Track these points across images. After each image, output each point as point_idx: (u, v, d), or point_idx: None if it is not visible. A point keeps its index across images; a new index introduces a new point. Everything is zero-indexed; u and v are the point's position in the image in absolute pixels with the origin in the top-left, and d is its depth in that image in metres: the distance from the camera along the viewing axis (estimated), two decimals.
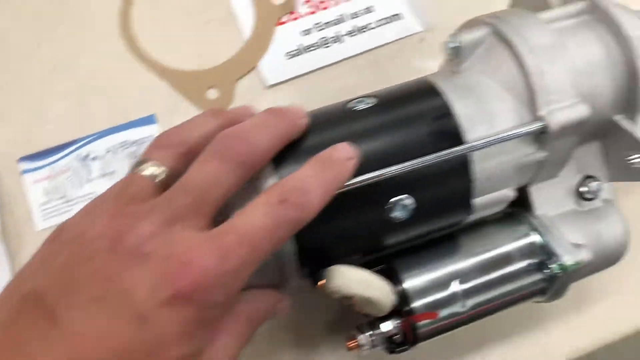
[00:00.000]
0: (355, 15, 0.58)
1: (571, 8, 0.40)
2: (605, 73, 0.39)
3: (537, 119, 0.37)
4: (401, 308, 0.40)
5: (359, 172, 0.35)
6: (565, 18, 0.40)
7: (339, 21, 0.58)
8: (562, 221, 0.43)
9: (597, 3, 0.39)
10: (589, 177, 0.43)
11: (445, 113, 0.37)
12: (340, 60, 0.56)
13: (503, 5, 0.49)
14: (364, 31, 0.57)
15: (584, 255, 0.40)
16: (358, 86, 0.43)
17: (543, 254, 0.41)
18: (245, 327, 0.34)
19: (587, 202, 0.43)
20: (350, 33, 0.57)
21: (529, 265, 0.41)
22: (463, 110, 0.37)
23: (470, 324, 0.41)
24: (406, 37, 0.58)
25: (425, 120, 0.37)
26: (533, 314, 0.50)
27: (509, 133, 0.36)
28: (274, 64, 0.55)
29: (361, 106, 0.39)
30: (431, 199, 0.38)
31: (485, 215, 0.42)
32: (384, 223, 0.37)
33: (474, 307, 0.41)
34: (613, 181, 0.44)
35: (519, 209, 0.44)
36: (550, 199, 0.43)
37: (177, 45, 0.57)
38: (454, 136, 0.37)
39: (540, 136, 0.37)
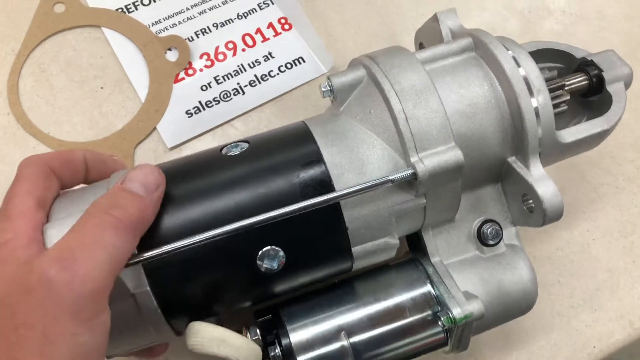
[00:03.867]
0: (255, 64, 0.54)
1: (455, 45, 0.38)
2: (490, 113, 0.37)
3: (409, 165, 0.35)
4: None
5: (222, 222, 0.33)
6: (449, 56, 0.38)
7: (238, 72, 0.53)
8: (461, 268, 0.40)
9: (479, 40, 0.37)
10: (488, 222, 0.41)
11: (314, 160, 0.35)
12: (246, 112, 0.52)
13: (404, 41, 0.47)
14: (266, 79, 0.53)
15: (475, 308, 0.37)
16: None
17: (438, 305, 0.39)
18: None
19: (489, 248, 0.41)
20: (252, 83, 0.53)
21: (425, 317, 0.39)
22: (332, 157, 0.35)
23: None
24: (311, 80, 0.54)
25: (295, 168, 0.35)
26: None
27: (376, 181, 0.34)
28: (174, 125, 0.51)
29: (235, 151, 0.37)
30: (303, 249, 0.36)
31: (373, 262, 0.39)
32: (254, 275, 0.35)
33: None
34: (517, 225, 0.42)
35: (418, 255, 0.42)
36: (449, 245, 0.41)
37: (71, 116, 0.52)
38: (324, 184, 0.35)
39: (415, 182, 0.35)
